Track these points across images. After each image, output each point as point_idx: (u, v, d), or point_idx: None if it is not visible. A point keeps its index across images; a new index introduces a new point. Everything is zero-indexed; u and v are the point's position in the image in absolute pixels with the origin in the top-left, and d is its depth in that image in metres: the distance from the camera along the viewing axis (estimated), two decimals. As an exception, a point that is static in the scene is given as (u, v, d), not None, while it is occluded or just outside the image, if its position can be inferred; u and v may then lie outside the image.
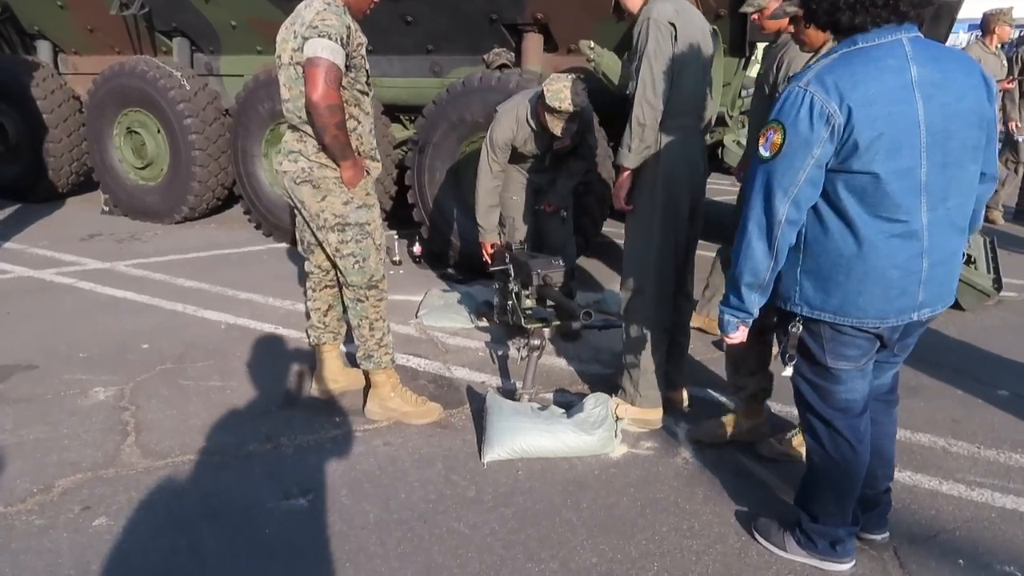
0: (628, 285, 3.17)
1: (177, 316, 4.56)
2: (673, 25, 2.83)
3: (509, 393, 3.48)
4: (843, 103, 1.85)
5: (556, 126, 3.71)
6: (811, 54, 2.66)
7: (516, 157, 4.01)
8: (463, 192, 5.28)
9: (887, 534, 2.51)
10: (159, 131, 6.66)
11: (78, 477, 2.86)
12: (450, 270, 5.42)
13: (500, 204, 4.05)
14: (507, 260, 3.68)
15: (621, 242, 6.18)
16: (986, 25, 7.00)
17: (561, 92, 3.61)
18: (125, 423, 3.27)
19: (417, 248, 5.65)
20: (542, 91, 3.68)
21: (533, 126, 3.85)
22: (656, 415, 3.23)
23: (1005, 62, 7.19)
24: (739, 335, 2.20)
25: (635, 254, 3.12)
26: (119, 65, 6.61)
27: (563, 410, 3.21)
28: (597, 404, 3.12)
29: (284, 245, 6.18)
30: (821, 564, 2.40)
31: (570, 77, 3.70)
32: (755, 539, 2.54)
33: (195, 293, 4.98)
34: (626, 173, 3.04)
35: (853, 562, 2.40)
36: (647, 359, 3.16)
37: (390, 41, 5.60)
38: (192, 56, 6.85)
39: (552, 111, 3.66)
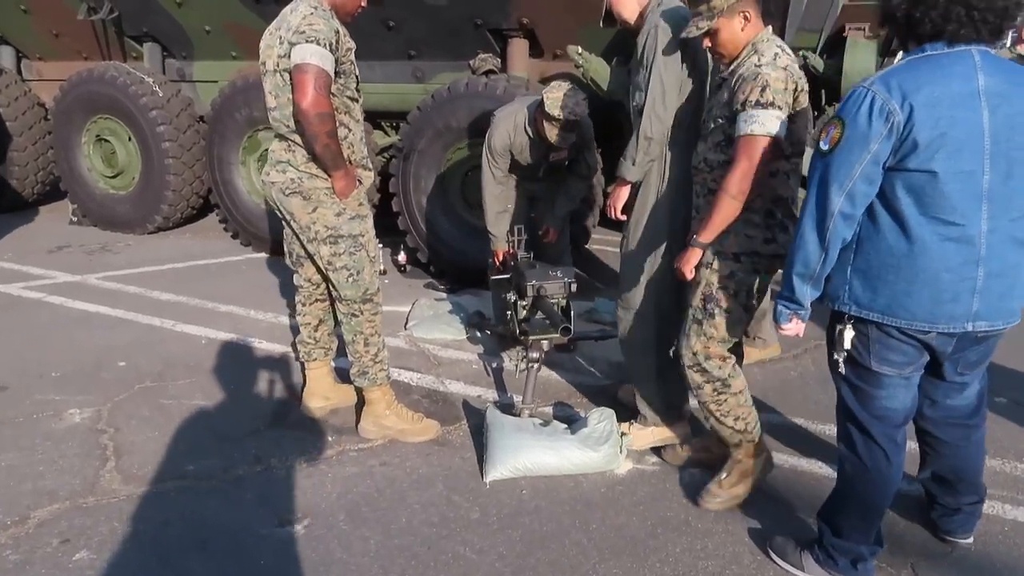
0: (629, 304, 3.04)
1: (154, 331, 4.38)
2: None
3: (508, 408, 3.37)
4: (905, 102, 1.88)
5: (553, 134, 3.63)
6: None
7: (511, 166, 3.91)
8: (450, 200, 5.17)
9: (971, 539, 2.55)
10: (130, 139, 6.45)
11: (55, 507, 2.69)
12: (437, 280, 5.30)
13: (508, 211, 3.97)
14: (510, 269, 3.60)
15: (606, 249, 6.16)
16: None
17: (560, 100, 3.52)
18: (104, 447, 3.10)
19: (402, 257, 5.52)
20: (542, 99, 3.60)
21: (531, 134, 3.76)
22: (684, 429, 3.13)
23: None
24: (792, 327, 2.21)
25: (636, 269, 3.00)
26: (87, 71, 6.40)
27: (566, 425, 3.11)
28: (601, 419, 3.03)
29: (263, 255, 6.01)
30: None
31: (571, 87, 3.62)
32: (771, 559, 2.46)
33: (172, 306, 4.80)
34: (625, 185, 2.95)
35: None
36: (661, 379, 3.05)
37: (371, 46, 5.46)
38: (164, 62, 6.65)
39: (550, 119, 3.58)
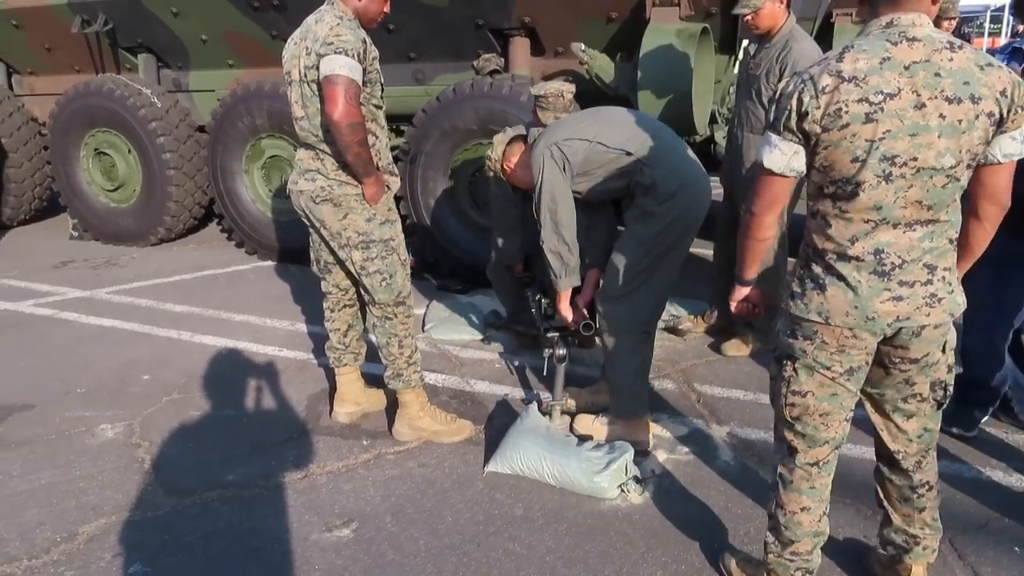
0: (612, 293, 3.02)
1: (173, 343, 4.39)
2: None
3: (540, 404, 3.37)
4: None
5: (548, 119, 3.57)
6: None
7: None
8: (458, 201, 5.21)
9: None
10: (130, 151, 6.43)
11: (102, 522, 2.71)
12: (448, 281, 5.32)
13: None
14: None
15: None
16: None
17: (547, 84, 3.59)
18: (141, 460, 3.12)
19: (411, 260, 5.53)
20: (536, 98, 3.64)
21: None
22: (645, 434, 3.12)
23: None
24: None
25: (630, 262, 2.96)
26: (84, 84, 6.37)
27: (578, 441, 3.04)
28: (613, 450, 2.90)
29: (271, 263, 6.02)
30: None
31: (559, 79, 3.67)
32: None
33: (187, 318, 4.81)
34: None
35: None
36: (639, 379, 3.08)
37: (371, 50, 5.49)
38: (159, 72, 6.64)
39: (540, 100, 3.58)
